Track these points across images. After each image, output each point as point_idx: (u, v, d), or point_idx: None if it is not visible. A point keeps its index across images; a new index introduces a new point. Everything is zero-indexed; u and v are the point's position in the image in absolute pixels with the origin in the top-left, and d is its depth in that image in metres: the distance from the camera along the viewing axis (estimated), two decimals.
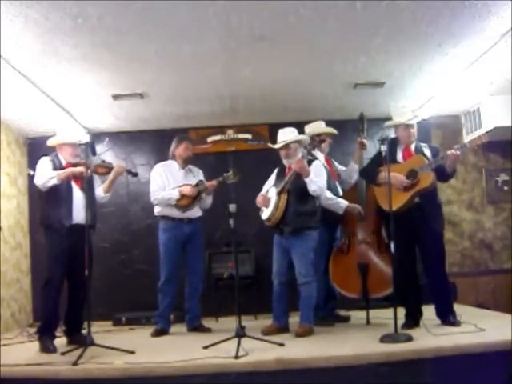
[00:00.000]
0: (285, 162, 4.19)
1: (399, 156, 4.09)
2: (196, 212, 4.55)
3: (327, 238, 4.42)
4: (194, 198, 4.48)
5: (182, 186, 4.46)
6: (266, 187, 4.34)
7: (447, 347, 3.22)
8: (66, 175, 3.85)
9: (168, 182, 4.50)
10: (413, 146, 4.08)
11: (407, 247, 3.98)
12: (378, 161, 4.01)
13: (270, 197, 4.18)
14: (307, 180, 3.98)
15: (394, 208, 3.84)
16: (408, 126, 4.05)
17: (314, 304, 4.05)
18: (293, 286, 4.07)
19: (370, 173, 4.12)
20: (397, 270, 3.92)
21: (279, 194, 4.06)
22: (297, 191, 4.03)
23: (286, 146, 4.11)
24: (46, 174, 3.83)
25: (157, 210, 4.56)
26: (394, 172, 3.85)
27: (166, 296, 4.44)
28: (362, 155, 4.55)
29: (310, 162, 4.10)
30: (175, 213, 4.45)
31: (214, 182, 4.52)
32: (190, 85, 4.72)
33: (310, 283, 4.00)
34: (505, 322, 3.78)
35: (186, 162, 4.61)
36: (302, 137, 4.23)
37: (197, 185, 4.51)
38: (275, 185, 4.21)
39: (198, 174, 4.68)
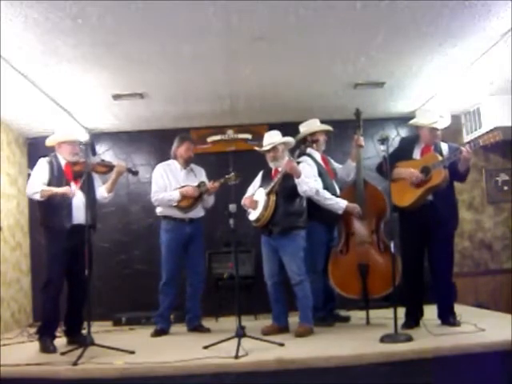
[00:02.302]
0: (271, 164, 4.22)
1: (417, 154, 4.07)
2: (198, 212, 4.55)
3: (326, 238, 4.41)
4: (196, 199, 4.47)
5: (183, 186, 4.45)
6: (251, 190, 4.36)
7: (447, 347, 3.22)
8: (48, 194, 3.82)
9: (169, 183, 4.50)
10: (433, 145, 4.06)
11: (416, 245, 3.98)
12: (393, 157, 3.95)
13: (256, 199, 4.19)
14: (298, 180, 3.99)
15: (406, 204, 3.85)
16: (435, 129, 3.99)
17: (311, 303, 4.05)
18: (289, 286, 4.07)
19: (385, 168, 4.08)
20: (403, 267, 3.94)
21: (268, 194, 4.08)
22: (285, 192, 4.05)
23: (274, 148, 4.13)
24: (33, 187, 3.85)
25: (159, 210, 4.57)
26: (407, 168, 3.90)
27: (167, 296, 4.44)
28: (359, 153, 4.53)
29: (298, 164, 4.10)
30: (177, 213, 4.45)
31: (216, 184, 4.48)
32: (189, 85, 4.72)
33: (304, 282, 4.00)
34: (505, 322, 3.78)
35: (187, 162, 4.61)
36: (288, 139, 4.23)
37: (198, 186, 4.50)
38: (262, 186, 4.22)
39: (200, 174, 4.67)
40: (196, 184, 4.50)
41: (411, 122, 4.25)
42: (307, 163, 4.25)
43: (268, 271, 4.17)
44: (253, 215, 4.18)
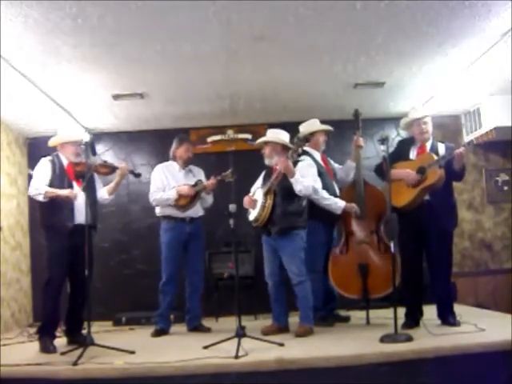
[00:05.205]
0: (266, 161, 4.20)
1: (413, 154, 4.08)
2: (198, 211, 4.57)
3: (326, 238, 4.40)
4: (193, 198, 4.48)
5: (179, 186, 4.46)
6: (253, 189, 4.35)
7: (447, 347, 3.22)
8: (51, 196, 3.82)
9: (168, 183, 4.51)
10: (428, 145, 4.06)
11: (414, 245, 3.99)
12: (391, 159, 3.93)
13: (255, 198, 4.19)
14: (293, 180, 3.96)
15: (402, 204, 3.85)
16: (420, 123, 4.03)
17: (312, 303, 4.04)
18: (290, 286, 4.07)
19: (383, 170, 4.07)
20: (402, 268, 3.94)
21: (265, 194, 4.06)
22: (283, 191, 4.02)
23: (266, 144, 4.15)
24: (36, 188, 3.84)
25: (158, 210, 4.58)
26: (403, 169, 3.91)
27: (167, 296, 4.45)
28: (359, 153, 4.52)
29: (296, 163, 4.07)
30: (176, 212, 4.46)
31: (213, 181, 4.50)
32: (189, 85, 4.72)
33: (304, 282, 3.99)
34: (505, 322, 3.78)
35: (186, 163, 4.62)
36: (280, 138, 4.13)
37: (195, 184, 4.51)
38: (262, 186, 4.21)
39: (199, 174, 4.69)
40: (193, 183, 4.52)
41: (401, 121, 4.28)
42: (307, 162, 4.23)
43: (268, 271, 4.16)
44: (251, 215, 4.18)
